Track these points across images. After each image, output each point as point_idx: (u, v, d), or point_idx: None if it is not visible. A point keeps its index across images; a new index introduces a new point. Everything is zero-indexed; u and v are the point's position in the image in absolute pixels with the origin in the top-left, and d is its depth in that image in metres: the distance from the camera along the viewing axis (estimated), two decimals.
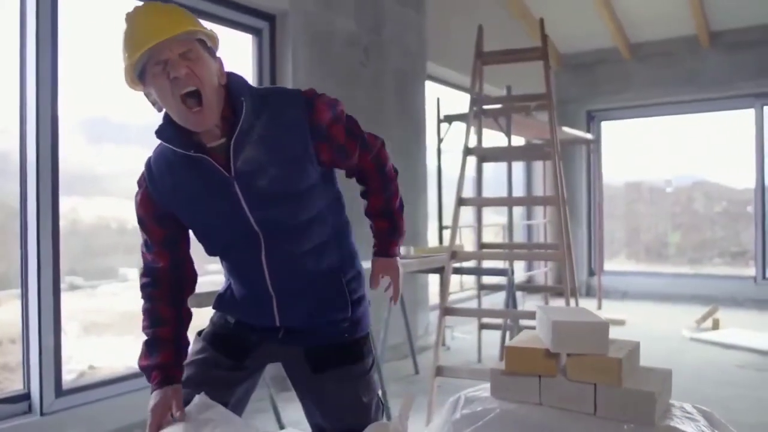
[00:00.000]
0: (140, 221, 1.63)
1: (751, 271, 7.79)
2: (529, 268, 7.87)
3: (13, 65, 2.97)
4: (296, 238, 1.56)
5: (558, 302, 7.12)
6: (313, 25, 4.26)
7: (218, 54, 1.55)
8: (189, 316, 1.70)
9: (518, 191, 8.02)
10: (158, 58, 1.41)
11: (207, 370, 1.66)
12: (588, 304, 7.22)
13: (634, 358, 1.53)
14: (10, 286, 3.24)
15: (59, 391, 3.06)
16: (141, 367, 1.62)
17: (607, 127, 8.80)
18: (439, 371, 3.37)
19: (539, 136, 6.57)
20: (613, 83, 8.15)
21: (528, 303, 6.37)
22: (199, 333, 1.77)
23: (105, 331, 4.65)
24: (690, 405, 1.51)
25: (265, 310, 1.62)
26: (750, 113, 7.72)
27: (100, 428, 3.11)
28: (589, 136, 7.63)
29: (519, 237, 8.07)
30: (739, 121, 7.90)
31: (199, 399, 1.56)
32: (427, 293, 5.47)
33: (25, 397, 2.99)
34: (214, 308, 1.77)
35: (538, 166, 8.21)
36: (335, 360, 1.65)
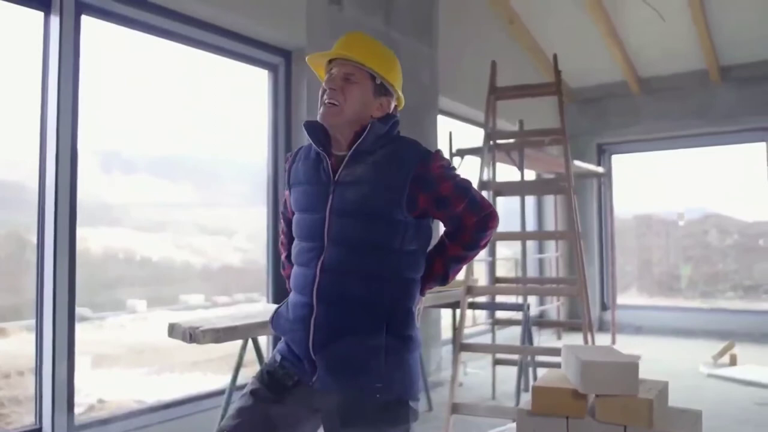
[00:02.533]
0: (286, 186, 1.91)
1: (765, 305, 7.69)
2: (542, 302, 7.79)
3: (33, 98, 3.02)
4: (354, 258, 1.65)
5: (572, 337, 7.04)
6: None
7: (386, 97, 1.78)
8: None
9: (529, 225, 8.00)
10: (331, 66, 1.75)
11: (253, 401, 1.72)
12: (602, 339, 7.13)
13: (664, 398, 1.50)
14: (20, 317, 3.24)
15: (71, 427, 3.02)
16: None
17: (617, 160, 8.81)
18: (455, 408, 3.32)
19: (550, 170, 6.58)
20: (623, 117, 8.18)
21: (541, 338, 6.30)
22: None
23: (113, 363, 4.62)
24: None
25: (303, 326, 1.66)
26: (761, 147, 7.72)
27: None
28: (599, 169, 7.63)
29: (530, 271, 8.03)
30: (750, 155, 7.89)
31: None
32: (439, 328, 5.41)
33: None
34: (270, 321, 1.86)
35: (548, 199, 8.20)
36: (364, 419, 1.63)
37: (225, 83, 4.22)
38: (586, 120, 8.45)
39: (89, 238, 4.00)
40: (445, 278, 1.84)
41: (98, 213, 3.92)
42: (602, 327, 8.18)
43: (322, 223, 1.67)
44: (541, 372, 4.20)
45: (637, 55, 7.63)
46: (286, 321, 1.75)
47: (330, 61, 1.78)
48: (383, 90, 1.76)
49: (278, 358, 1.77)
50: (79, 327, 4.10)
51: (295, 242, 1.79)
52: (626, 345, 6.85)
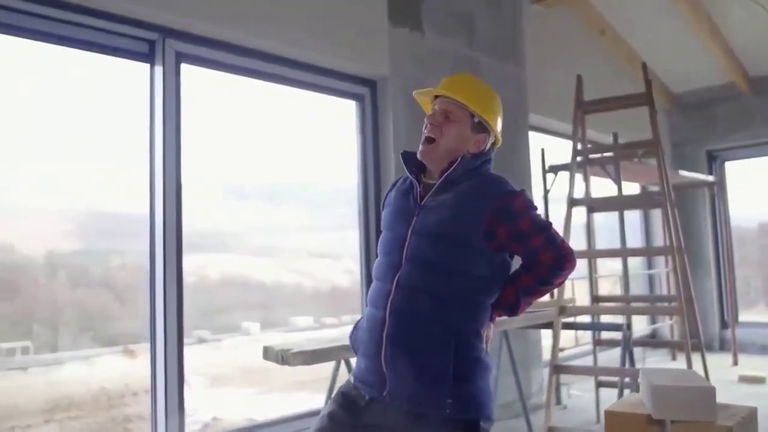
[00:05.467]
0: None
1: None
2: (653, 320, 7.38)
3: (143, 141, 3.32)
4: (428, 277, 1.73)
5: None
6: (411, 88, 4.38)
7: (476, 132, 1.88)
8: None
9: (636, 239, 7.64)
10: (435, 102, 1.91)
11: (330, 423, 1.81)
12: (722, 359, 6.64)
13: (750, 426, 1.41)
14: (146, 340, 3.51)
15: None
16: None
17: (732, 167, 8.22)
18: None
19: (654, 182, 6.27)
20: (733, 120, 7.65)
21: (651, 359, 5.97)
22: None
23: (227, 383, 4.88)
24: None
25: (377, 339, 1.74)
26: None
27: None
28: (710, 178, 7.17)
29: (639, 287, 7.64)
30: None
31: None
32: (539, 349, 5.28)
33: None
34: (349, 337, 1.98)
35: (656, 212, 7.80)
36: None
37: (321, 111, 4.43)
38: (693, 126, 7.98)
39: (207, 265, 4.29)
40: (515, 308, 1.86)
41: (215, 241, 4.21)
42: (723, 346, 7.61)
43: (403, 241, 1.79)
44: None
45: (745, 54, 7.14)
46: (363, 333, 1.85)
47: (436, 96, 1.93)
48: (481, 128, 1.87)
49: (352, 380, 1.87)
50: (198, 348, 4.39)
51: (378, 258, 1.90)
52: (749, 366, 6.33)
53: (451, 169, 1.81)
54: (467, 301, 1.75)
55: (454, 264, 1.73)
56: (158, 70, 3.31)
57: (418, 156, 1.87)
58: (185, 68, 3.40)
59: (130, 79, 3.39)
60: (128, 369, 4.14)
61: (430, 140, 1.85)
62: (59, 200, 3.50)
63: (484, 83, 1.95)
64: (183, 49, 3.38)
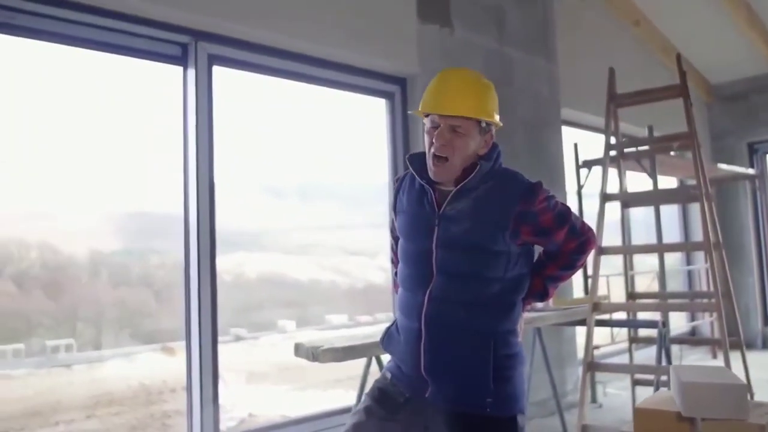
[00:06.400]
0: (391, 208, 2.01)
1: None
2: (692, 317, 7.22)
3: (177, 142, 3.40)
4: (460, 287, 1.73)
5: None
6: None
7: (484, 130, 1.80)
8: None
9: (674, 234, 7.47)
10: (435, 121, 1.77)
11: (367, 418, 1.82)
12: (765, 357, 6.46)
13: None
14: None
15: None
16: None
17: None
18: (585, 431, 3.19)
19: (692, 176, 6.13)
20: None
21: (691, 357, 5.84)
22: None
23: (263, 380, 4.96)
24: None
25: (414, 349, 1.76)
26: None
27: None
28: (751, 171, 6.96)
29: (678, 284, 7.47)
30: None
31: None
32: (574, 346, 5.21)
33: None
34: (380, 341, 1.98)
35: (695, 207, 7.61)
36: None
37: (352, 109, 4.45)
38: (733, 118, 7.76)
39: (245, 263, 4.36)
40: (545, 295, 1.90)
41: (251, 239, 4.28)
42: (766, 344, 7.40)
43: (429, 254, 1.76)
44: None
45: None
46: (398, 344, 1.85)
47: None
48: (487, 127, 1.80)
49: (388, 375, 1.88)
50: (235, 346, 4.46)
51: (401, 267, 1.89)
52: None
53: (469, 178, 1.75)
54: (502, 303, 1.77)
55: (487, 272, 1.74)
56: (191, 72, 3.37)
57: (431, 176, 1.79)
58: (217, 70, 3.45)
59: (164, 81, 3.46)
60: (167, 366, 4.24)
61: (441, 158, 1.75)
62: (101, 201, 3.60)
63: (474, 74, 1.84)
64: (215, 51, 3.43)
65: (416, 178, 1.86)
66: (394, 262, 2.07)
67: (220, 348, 3.36)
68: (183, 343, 3.36)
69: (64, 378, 3.96)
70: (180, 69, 3.38)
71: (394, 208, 1.98)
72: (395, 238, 2.03)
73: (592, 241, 1.85)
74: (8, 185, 3.25)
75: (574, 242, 1.81)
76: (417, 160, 1.85)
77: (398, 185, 1.97)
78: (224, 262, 3.58)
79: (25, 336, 3.51)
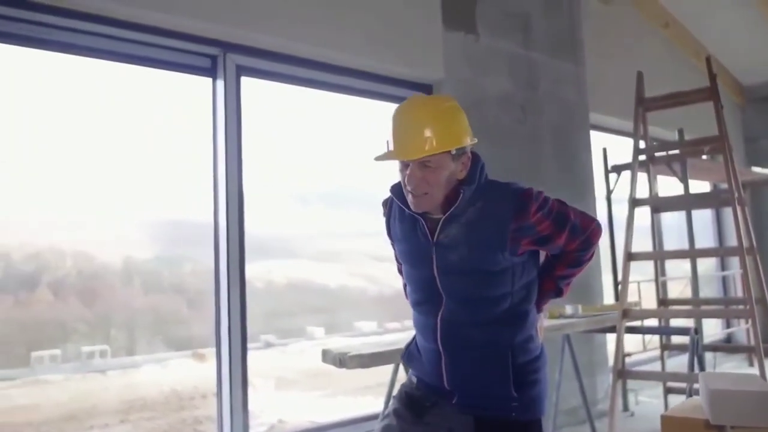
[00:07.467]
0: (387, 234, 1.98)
1: None
2: (728, 324, 7.05)
3: (207, 151, 3.46)
4: (470, 309, 1.73)
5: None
6: (467, 89, 4.40)
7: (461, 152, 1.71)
8: None
9: (707, 239, 7.32)
10: (404, 162, 1.69)
11: (395, 421, 1.85)
12: None
13: None
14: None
15: None
16: None
17: None
18: None
19: (725, 179, 6.00)
20: None
21: (726, 365, 5.71)
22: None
23: (292, 386, 4.99)
24: None
25: (435, 368, 1.79)
26: None
27: None
28: None
29: (712, 290, 7.31)
30: None
31: None
32: (605, 354, 5.14)
33: None
34: (402, 357, 2.01)
35: (729, 212, 7.44)
36: None
37: (378, 117, 4.47)
38: (766, 120, 7.59)
39: (273, 270, 4.41)
40: (559, 292, 1.92)
41: (280, 246, 4.32)
42: None
43: (433, 280, 1.76)
44: None
45: None
46: (420, 363, 1.89)
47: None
48: (460, 150, 1.70)
49: (414, 380, 1.91)
50: (265, 352, 4.49)
51: (410, 290, 1.91)
52: None
53: (454, 207, 1.70)
54: (514, 315, 1.77)
55: (494, 291, 1.73)
56: (219, 83, 3.44)
57: (413, 208, 1.73)
58: (245, 80, 3.52)
59: (194, 93, 3.54)
60: (198, 372, 4.30)
61: (421, 195, 1.70)
62: (134, 210, 3.68)
63: (430, 103, 1.76)
64: (243, 62, 3.50)
65: (398, 204, 1.82)
66: (400, 271, 2.06)
67: (250, 354, 3.41)
68: (213, 350, 3.41)
69: (99, 383, 4.04)
70: (209, 80, 3.46)
71: (389, 233, 1.95)
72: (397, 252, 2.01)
73: (596, 233, 1.82)
74: (45, 195, 3.35)
75: (577, 241, 1.79)
76: (400, 191, 1.78)
77: (388, 211, 1.93)
78: (254, 269, 3.63)
79: (61, 342, 3.60)
